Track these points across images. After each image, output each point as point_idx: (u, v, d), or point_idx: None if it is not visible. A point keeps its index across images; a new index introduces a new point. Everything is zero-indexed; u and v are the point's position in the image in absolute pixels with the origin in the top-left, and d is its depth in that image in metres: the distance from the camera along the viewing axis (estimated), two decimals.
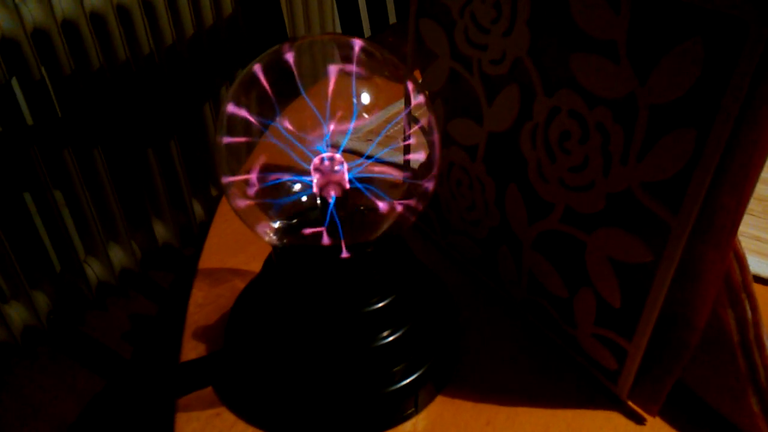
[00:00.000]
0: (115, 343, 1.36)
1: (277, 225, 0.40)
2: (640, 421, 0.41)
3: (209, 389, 0.43)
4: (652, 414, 0.40)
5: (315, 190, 0.39)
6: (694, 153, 0.32)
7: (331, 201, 0.38)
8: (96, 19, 1.17)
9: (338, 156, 0.39)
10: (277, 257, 0.41)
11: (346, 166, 0.38)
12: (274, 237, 0.40)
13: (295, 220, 0.42)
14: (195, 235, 1.52)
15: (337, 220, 0.38)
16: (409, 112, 0.50)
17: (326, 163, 0.38)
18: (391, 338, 0.42)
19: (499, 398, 0.43)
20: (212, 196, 1.53)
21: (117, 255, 1.38)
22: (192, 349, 0.46)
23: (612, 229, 0.38)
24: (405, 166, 0.53)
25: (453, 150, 0.48)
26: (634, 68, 0.34)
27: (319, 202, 0.39)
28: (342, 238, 0.38)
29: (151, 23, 1.25)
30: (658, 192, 0.35)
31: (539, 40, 0.39)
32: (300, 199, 0.41)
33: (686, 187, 0.33)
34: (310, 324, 0.42)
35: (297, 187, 0.40)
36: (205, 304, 0.50)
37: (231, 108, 0.38)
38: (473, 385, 0.44)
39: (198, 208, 1.52)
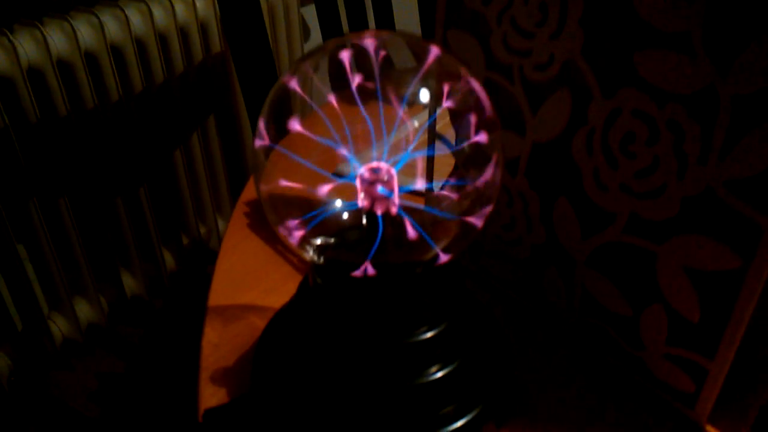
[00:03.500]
0: (81, 404, 1.26)
1: (318, 241, 0.36)
2: None
3: None
4: None
5: (360, 203, 0.35)
6: None
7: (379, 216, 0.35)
8: (63, 66, 1.12)
9: (387, 166, 0.35)
10: (316, 277, 0.37)
11: (396, 177, 0.35)
12: (314, 254, 0.36)
13: (333, 240, 0.37)
14: (166, 286, 1.45)
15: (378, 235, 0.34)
16: (434, 125, 0.47)
17: (374, 174, 0.34)
18: (439, 374, 0.38)
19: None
20: (183, 246, 1.47)
21: (83, 309, 1.30)
22: (212, 395, 0.41)
23: (689, 236, 0.35)
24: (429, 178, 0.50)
25: None
26: (713, 60, 0.32)
27: (365, 218, 0.35)
28: (371, 256, 0.34)
29: (119, 69, 1.21)
30: (744, 191, 0.32)
31: (594, 39, 0.37)
32: (341, 217, 0.37)
33: None
34: (349, 357, 0.37)
35: (339, 203, 0.36)
36: (221, 344, 0.45)
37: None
38: (535, 421, 0.39)
39: (169, 259, 1.45)
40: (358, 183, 0.35)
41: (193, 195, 1.45)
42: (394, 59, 0.37)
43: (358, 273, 0.34)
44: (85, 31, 1.13)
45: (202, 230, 1.50)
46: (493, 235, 0.47)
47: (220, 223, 1.55)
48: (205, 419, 0.36)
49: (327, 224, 0.35)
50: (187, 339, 1.41)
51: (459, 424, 0.38)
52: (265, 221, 0.57)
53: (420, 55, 0.35)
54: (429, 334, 0.37)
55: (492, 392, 0.39)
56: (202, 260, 1.53)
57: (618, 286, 0.39)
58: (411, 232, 0.35)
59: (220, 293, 0.50)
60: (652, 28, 0.34)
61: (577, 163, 0.39)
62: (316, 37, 1.64)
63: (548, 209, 0.42)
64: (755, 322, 0.34)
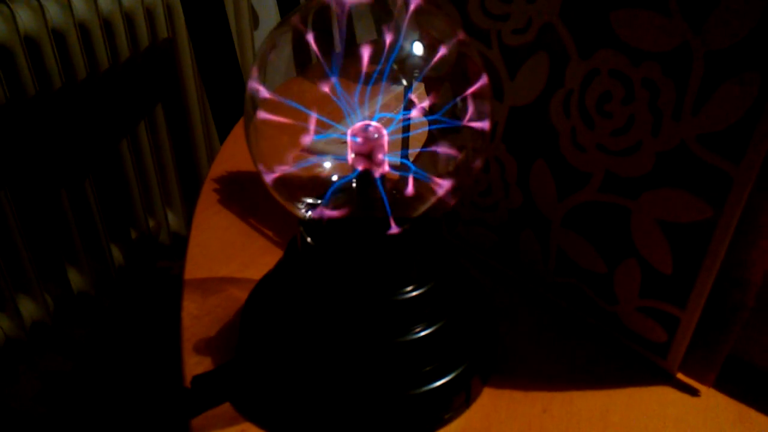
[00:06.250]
0: (26, 407, 1.21)
1: (310, 201, 0.36)
2: (694, 393, 0.39)
3: (225, 406, 0.37)
4: (708, 383, 0.39)
5: (350, 160, 0.35)
6: (757, 97, 0.32)
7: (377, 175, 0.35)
8: (2, 51, 1.07)
9: (377, 124, 0.35)
10: (306, 237, 0.37)
11: (386, 135, 0.35)
12: (306, 211, 0.36)
13: (320, 201, 0.38)
14: (114, 282, 1.40)
15: (383, 194, 0.34)
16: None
17: (366, 131, 0.35)
18: (426, 332, 0.38)
19: (547, 386, 0.40)
20: (132, 240, 1.43)
21: (27, 307, 1.25)
22: (197, 364, 0.40)
23: (663, 190, 0.37)
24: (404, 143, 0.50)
25: None
26: (686, 17, 0.33)
27: (354, 178, 0.36)
28: (389, 214, 0.35)
29: (62, 55, 1.16)
30: (715, 144, 0.34)
31: (571, 1, 0.38)
32: (330, 178, 0.37)
33: (750, 134, 0.32)
34: (337, 314, 0.38)
35: (328, 165, 0.36)
36: (201, 315, 0.44)
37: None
38: (517, 376, 0.41)
39: (117, 253, 1.41)
40: (348, 141, 0.35)
41: (141, 187, 1.41)
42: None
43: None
44: (24, 15, 1.09)
45: (151, 224, 1.47)
46: (469, 203, 0.48)
47: (170, 216, 1.51)
48: (193, 385, 0.36)
49: (320, 181, 0.36)
50: (137, 334, 1.37)
51: (444, 380, 0.38)
52: (237, 196, 0.57)
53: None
54: (416, 293, 0.38)
55: (477, 350, 0.40)
56: (151, 254, 1.49)
57: (593, 243, 0.41)
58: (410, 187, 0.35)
59: (196, 268, 0.49)
60: None
61: (554, 126, 0.41)
62: (264, 25, 1.62)
63: (525, 173, 0.44)
64: (724, 271, 0.36)
